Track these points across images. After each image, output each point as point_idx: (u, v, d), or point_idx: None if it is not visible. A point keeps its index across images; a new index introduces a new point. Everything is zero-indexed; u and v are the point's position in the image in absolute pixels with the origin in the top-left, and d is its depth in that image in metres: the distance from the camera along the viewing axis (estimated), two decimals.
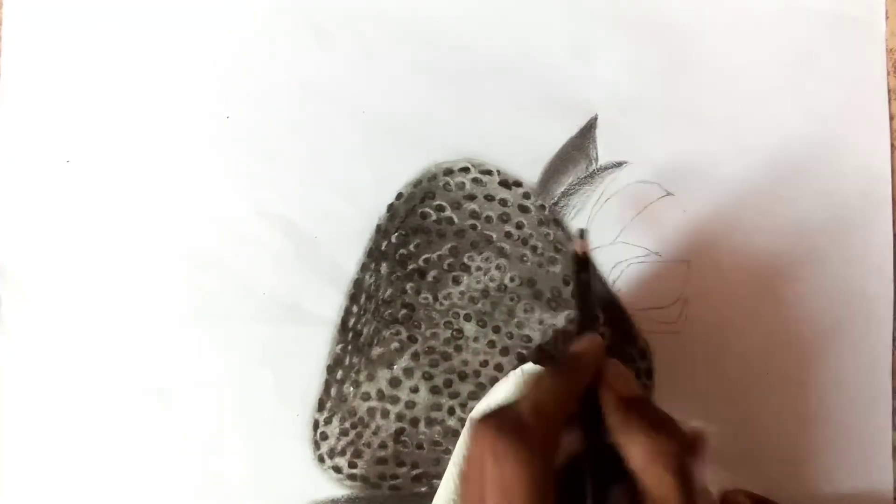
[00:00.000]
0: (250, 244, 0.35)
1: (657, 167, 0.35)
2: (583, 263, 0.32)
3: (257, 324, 0.35)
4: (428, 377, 0.35)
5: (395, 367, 0.35)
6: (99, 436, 0.35)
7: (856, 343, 0.35)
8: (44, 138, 0.35)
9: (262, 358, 0.35)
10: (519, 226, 0.35)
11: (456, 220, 0.35)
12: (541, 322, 0.35)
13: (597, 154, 0.35)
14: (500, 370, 0.35)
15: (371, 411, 0.35)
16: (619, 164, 0.35)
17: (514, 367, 0.33)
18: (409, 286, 0.35)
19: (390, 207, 0.35)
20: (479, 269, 0.35)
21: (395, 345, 0.35)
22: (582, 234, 0.32)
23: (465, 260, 0.35)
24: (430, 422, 0.35)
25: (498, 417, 0.26)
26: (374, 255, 0.35)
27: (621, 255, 0.35)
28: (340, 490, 0.35)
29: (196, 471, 0.34)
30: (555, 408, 0.27)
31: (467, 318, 0.35)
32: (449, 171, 0.35)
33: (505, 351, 0.35)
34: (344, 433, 0.35)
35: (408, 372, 0.35)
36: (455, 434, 0.34)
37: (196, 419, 0.35)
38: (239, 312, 0.35)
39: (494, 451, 0.25)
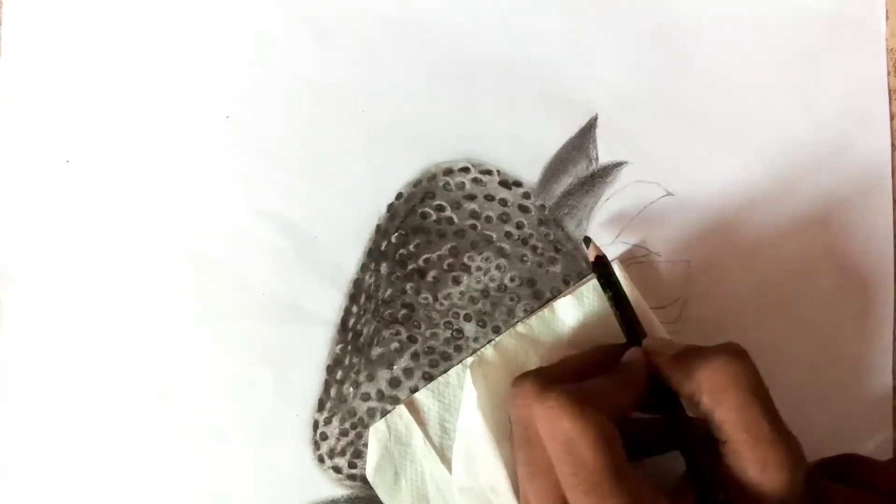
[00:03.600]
0: (250, 244, 0.35)
1: (657, 167, 0.35)
2: (602, 267, 0.32)
3: (257, 324, 0.35)
4: (428, 377, 0.35)
5: (394, 367, 0.35)
6: (99, 436, 0.34)
7: (856, 342, 0.35)
8: (44, 138, 0.35)
9: (262, 358, 0.35)
10: (519, 226, 0.35)
11: (456, 220, 0.35)
12: None
13: (597, 154, 0.35)
14: None
15: (371, 411, 0.35)
16: (619, 164, 0.35)
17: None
18: (408, 286, 0.35)
19: (390, 207, 0.35)
20: (479, 269, 0.35)
21: (394, 345, 0.35)
22: (587, 241, 0.33)
23: (465, 260, 0.35)
24: None
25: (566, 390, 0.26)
26: (374, 255, 0.35)
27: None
28: (340, 490, 0.35)
29: (196, 471, 0.34)
30: (611, 402, 0.27)
31: (467, 318, 0.35)
32: (449, 171, 0.35)
33: None
34: (344, 433, 0.35)
35: (408, 372, 0.35)
36: None
37: (196, 419, 0.35)
38: (239, 312, 0.35)
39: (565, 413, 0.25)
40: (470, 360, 0.33)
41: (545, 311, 0.34)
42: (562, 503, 0.26)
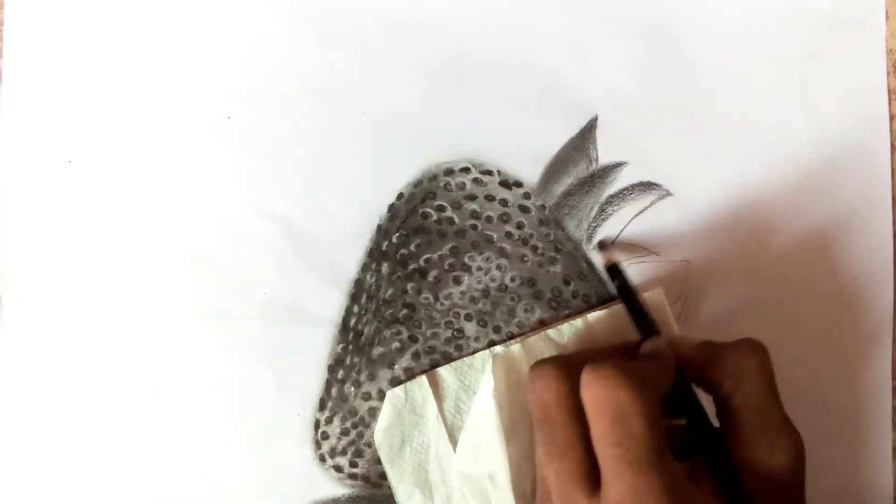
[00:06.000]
0: (250, 244, 0.35)
1: (657, 167, 0.35)
2: (613, 272, 0.33)
3: (258, 324, 0.35)
4: None
5: (396, 366, 0.35)
6: (99, 436, 0.35)
7: (856, 342, 0.35)
8: (45, 138, 0.35)
9: (262, 358, 0.35)
10: (519, 226, 0.35)
11: (456, 220, 0.35)
12: (541, 322, 0.35)
13: (597, 154, 0.35)
14: None
15: (372, 411, 0.35)
16: (618, 165, 0.35)
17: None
18: (409, 286, 0.35)
19: (391, 207, 0.35)
20: (479, 269, 0.35)
21: (396, 345, 0.35)
22: (601, 245, 0.34)
23: (466, 260, 0.35)
24: None
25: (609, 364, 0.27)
26: (375, 255, 0.35)
27: (621, 255, 0.35)
28: (341, 489, 0.35)
29: (196, 471, 0.35)
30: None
31: (468, 317, 0.35)
32: (449, 172, 0.35)
33: None
34: (345, 433, 0.35)
35: (409, 372, 0.35)
36: None
37: (196, 419, 0.35)
38: (239, 312, 0.35)
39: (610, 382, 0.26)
40: (497, 349, 0.34)
41: (578, 321, 0.34)
42: (584, 482, 0.26)
